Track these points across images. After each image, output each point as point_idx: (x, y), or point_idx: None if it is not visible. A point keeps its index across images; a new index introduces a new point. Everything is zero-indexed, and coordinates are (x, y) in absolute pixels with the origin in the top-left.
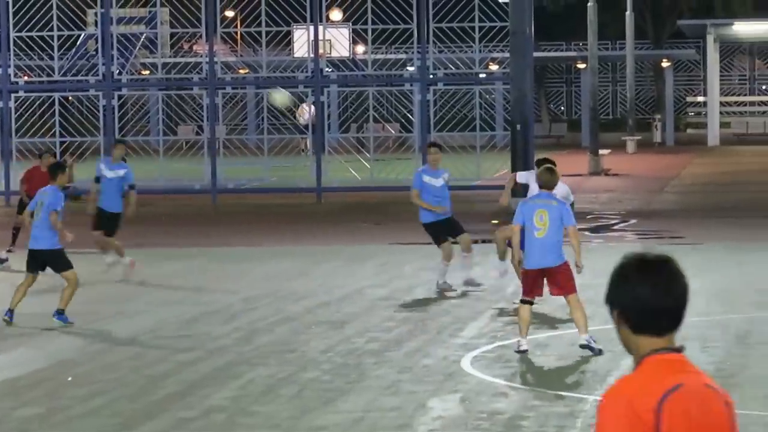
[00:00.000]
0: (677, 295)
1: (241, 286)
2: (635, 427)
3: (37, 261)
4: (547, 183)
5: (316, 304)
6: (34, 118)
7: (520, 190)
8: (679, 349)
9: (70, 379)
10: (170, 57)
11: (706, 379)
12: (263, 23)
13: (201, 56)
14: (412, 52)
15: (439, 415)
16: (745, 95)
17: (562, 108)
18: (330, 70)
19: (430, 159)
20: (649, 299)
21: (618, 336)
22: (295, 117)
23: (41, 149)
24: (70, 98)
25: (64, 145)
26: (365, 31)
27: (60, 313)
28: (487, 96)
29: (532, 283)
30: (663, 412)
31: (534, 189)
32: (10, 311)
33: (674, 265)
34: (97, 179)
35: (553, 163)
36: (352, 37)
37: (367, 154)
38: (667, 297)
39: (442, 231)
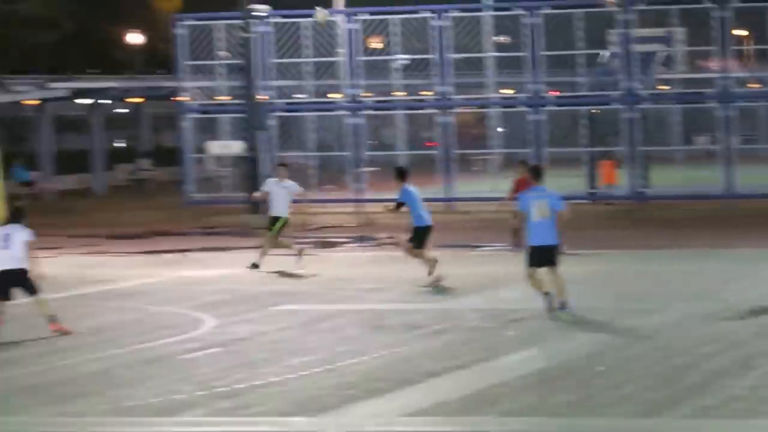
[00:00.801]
0: None
1: (753, 286)
2: None
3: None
4: None
5: None
6: (562, 130)
7: None
8: None
9: (602, 369)
10: (686, 73)
11: None
12: None
13: (715, 72)
14: None
15: None
16: None
17: None
18: None
19: None
20: None
21: None
22: None
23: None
24: (594, 111)
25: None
26: None
27: (563, 306)
28: None
29: None
30: None
31: None
32: (562, 303)
33: None
34: None
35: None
36: None
37: None
38: None
39: None
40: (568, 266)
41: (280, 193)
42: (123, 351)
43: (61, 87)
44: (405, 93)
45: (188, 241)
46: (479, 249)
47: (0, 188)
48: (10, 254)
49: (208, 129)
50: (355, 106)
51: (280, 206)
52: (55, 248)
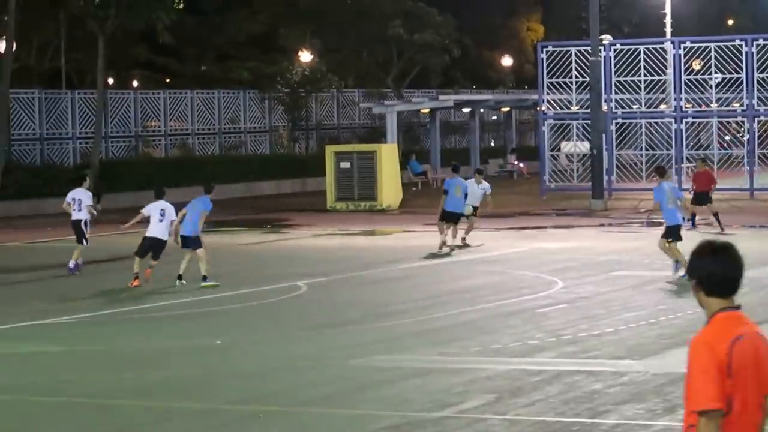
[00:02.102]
0: (736, 270)
1: None
2: (715, 364)
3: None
4: None
5: None
6: None
7: None
8: (738, 307)
9: None
10: None
11: (758, 329)
12: None
13: None
14: None
15: None
16: None
17: None
18: None
19: None
20: (718, 272)
21: (696, 298)
22: None
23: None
24: None
25: None
26: None
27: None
28: None
29: None
30: (733, 353)
31: None
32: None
33: (734, 248)
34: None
35: None
36: None
37: None
38: (730, 270)
39: None
40: None
41: (476, 192)
42: (489, 306)
43: (448, 99)
44: (718, 104)
45: (544, 220)
46: None
47: (398, 177)
48: (165, 224)
49: (561, 132)
50: (679, 115)
51: (473, 200)
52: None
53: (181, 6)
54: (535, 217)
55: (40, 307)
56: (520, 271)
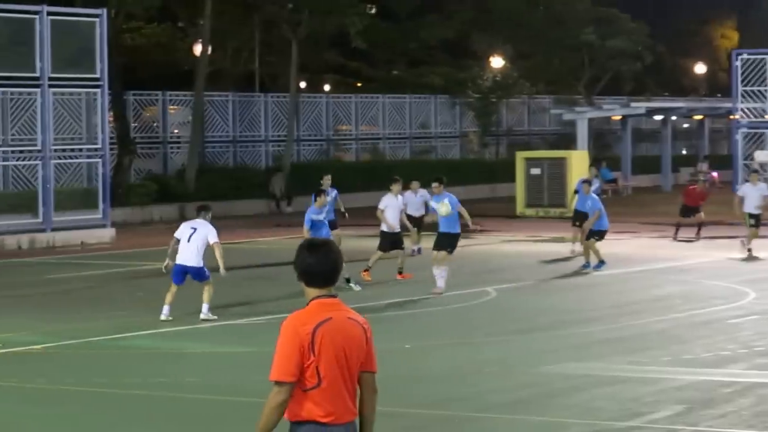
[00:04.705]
0: (330, 263)
1: None
2: (299, 344)
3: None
4: None
5: None
6: None
7: None
8: (335, 296)
9: None
10: None
11: (351, 314)
12: None
13: None
14: None
15: None
16: None
17: None
18: None
19: None
20: (313, 266)
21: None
22: None
23: None
24: None
25: None
26: None
27: None
28: None
29: None
30: (316, 335)
31: None
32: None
33: (331, 245)
34: None
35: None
36: None
37: None
38: (323, 265)
39: None
40: None
41: (752, 195)
42: (681, 315)
43: (639, 106)
44: None
45: (737, 230)
46: None
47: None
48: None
49: (755, 141)
50: None
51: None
52: (631, 232)
53: (374, 11)
54: (728, 227)
55: (233, 309)
56: (712, 281)
